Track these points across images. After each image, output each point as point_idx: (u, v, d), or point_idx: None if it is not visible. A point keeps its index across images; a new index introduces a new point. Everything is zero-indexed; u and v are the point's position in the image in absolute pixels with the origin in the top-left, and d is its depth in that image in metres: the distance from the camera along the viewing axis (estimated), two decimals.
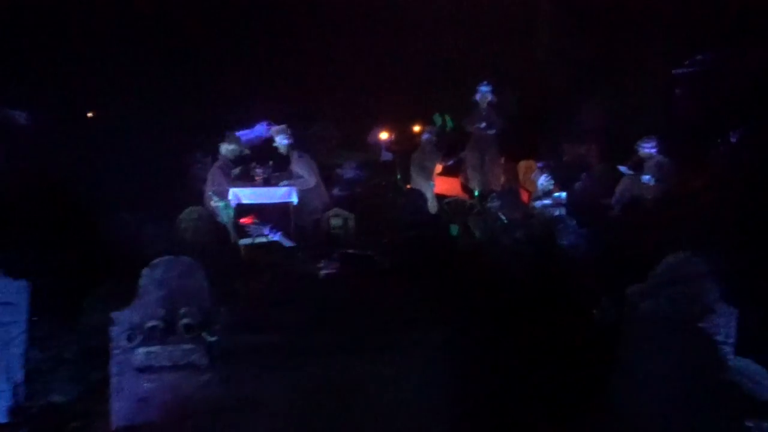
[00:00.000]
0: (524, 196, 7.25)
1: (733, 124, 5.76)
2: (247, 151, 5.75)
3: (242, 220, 4.41)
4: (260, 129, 6.66)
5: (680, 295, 2.14)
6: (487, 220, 6.24)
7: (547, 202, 6.45)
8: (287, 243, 4.23)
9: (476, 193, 7.05)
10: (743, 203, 4.29)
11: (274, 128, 5.73)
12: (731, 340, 2.06)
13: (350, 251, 3.34)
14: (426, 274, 2.58)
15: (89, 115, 6.53)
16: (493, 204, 5.96)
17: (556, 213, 6.43)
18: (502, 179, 7.15)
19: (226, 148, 5.66)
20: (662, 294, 2.20)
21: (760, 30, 6.34)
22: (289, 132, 5.79)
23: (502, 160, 7.57)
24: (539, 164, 7.89)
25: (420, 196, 5.77)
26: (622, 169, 6.51)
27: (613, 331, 2.29)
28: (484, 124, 6.69)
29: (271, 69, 8.10)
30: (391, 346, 1.86)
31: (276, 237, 4.19)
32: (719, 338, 2.04)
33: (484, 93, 6.75)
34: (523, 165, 8.03)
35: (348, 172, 7.48)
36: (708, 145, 6.19)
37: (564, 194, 6.53)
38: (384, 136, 8.53)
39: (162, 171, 6.00)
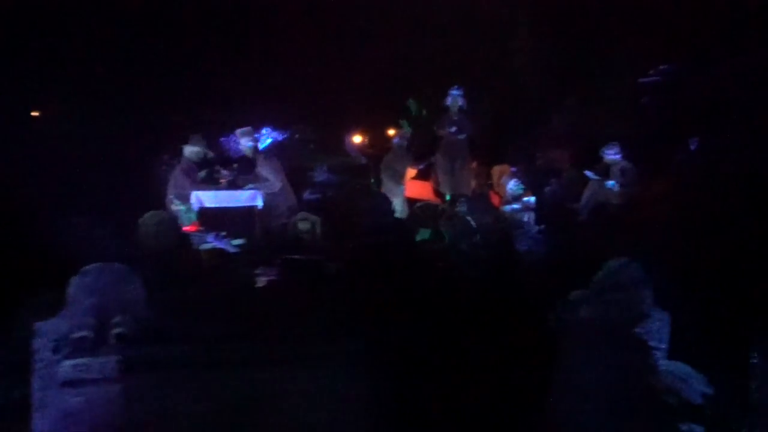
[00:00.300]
0: (497, 201, 7.30)
1: (694, 132, 5.91)
2: (211, 154, 5.65)
3: (185, 228, 4.31)
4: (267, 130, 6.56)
5: (617, 301, 2.15)
6: (456, 224, 6.27)
7: (516, 206, 6.51)
8: (232, 250, 4.15)
9: (447, 198, 7.07)
10: (701, 209, 4.38)
11: (239, 130, 5.64)
12: (663, 345, 2.07)
13: (295, 257, 3.29)
14: (373, 281, 2.54)
15: (35, 114, 6.28)
16: (461, 208, 5.97)
17: (525, 218, 6.51)
18: (473, 184, 7.18)
19: (189, 150, 5.54)
20: (601, 299, 2.20)
21: (722, 41, 6.55)
22: (254, 134, 5.71)
23: (474, 165, 7.62)
24: (513, 169, 8.00)
25: (385, 200, 5.74)
26: (589, 174, 6.61)
27: (555, 337, 2.28)
28: (454, 129, 6.71)
29: (247, 71, 7.99)
30: (309, 358, 1.81)
31: (221, 244, 4.10)
32: (652, 343, 2.06)
33: (455, 97, 6.77)
34: (497, 169, 8.09)
35: (320, 175, 7.43)
36: (671, 152, 6.34)
37: (533, 199, 6.60)
38: (358, 139, 8.52)
39: (126, 173, 5.84)
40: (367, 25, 8.57)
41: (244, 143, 5.65)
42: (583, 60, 8.25)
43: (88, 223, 3.73)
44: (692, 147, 5.86)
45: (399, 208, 7.07)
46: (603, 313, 2.17)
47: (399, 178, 6.81)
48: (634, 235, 4.39)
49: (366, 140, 8.51)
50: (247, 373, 1.77)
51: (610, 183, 6.09)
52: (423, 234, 6.22)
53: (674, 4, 6.81)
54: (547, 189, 7.38)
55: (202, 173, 5.74)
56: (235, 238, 5.10)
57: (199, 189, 5.29)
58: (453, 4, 8.90)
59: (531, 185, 7.78)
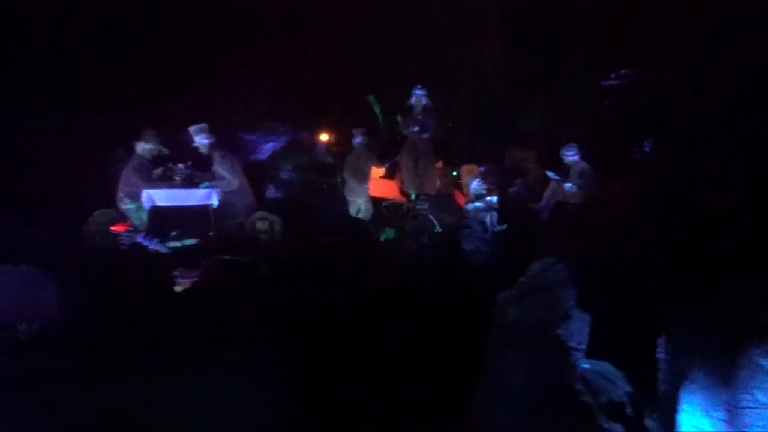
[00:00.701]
0: (463, 200, 7.32)
1: (647, 134, 6.05)
2: (166, 151, 5.47)
3: (113, 228, 4.16)
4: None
5: (540, 301, 2.15)
6: (421, 223, 6.26)
7: (478, 205, 6.53)
8: (164, 251, 4.01)
9: (413, 197, 7.05)
10: (652, 210, 4.46)
11: (193, 127, 5.48)
12: (583, 346, 2.07)
13: (226, 257, 3.19)
14: (308, 282, 2.47)
15: None
16: (422, 206, 5.97)
17: (487, 217, 6.55)
18: (438, 183, 7.18)
19: (142, 147, 5.35)
20: (526, 300, 2.20)
21: (679, 45, 6.73)
22: (209, 131, 5.55)
23: (440, 164, 7.63)
24: (481, 169, 8.05)
25: (341, 200, 5.68)
26: (550, 174, 6.70)
27: (484, 337, 2.27)
28: (417, 128, 6.69)
29: (216, 68, 7.79)
30: (215, 363, 1.75)
31: (152, 245, 3.96)
32: (572, 344, 2.06)
33: (418, 96, 6.76)
34: (465, 169, 8.13)
35: (283, 173, 7.31)
36: (626, 154, 6.48)
37: (495, 199, 6.63)
38: (324, 137, 8.41)
39: (74, 171, 5.61)
40: (333, 23, 8.48)
41: (199, 140, 5.49)
42: (546, 62, 8.36)
43: (20, 223, 3.54)
44: (646, 149, 6.00)
45: (363, 207, 7.04)
46: (527, 314, 2.16)
47: (362, 177, 6.75)
48: (585, 235, 4.46)
49: (333, 139, 8.41)
50: (143, 379, 1.68)
51: (568, 185, 6.18)
52: (379, 233, 6.22)
53: (632, 9, 6.97)
54: (511, 189, 7.46)
55: (159, 171, 5.56)
56: (189, 237, 4.96)
57: (151, 187, 5.12)
58: (420, 4, 8.91)
59: (498, 185, 7.87)
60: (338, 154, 8.12)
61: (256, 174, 7.21)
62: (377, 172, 7.66)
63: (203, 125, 5.50)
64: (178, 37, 6.96)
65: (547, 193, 6.58)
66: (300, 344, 1.89)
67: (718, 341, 1.78)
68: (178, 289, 2.84)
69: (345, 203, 6.37)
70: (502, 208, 6.69)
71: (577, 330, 2.06)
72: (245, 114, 7.58)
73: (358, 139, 6.83)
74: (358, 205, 6.75)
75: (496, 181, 7.99)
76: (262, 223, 5.50)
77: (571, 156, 6.35)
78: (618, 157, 6.47)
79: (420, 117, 6.74)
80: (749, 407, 1.72)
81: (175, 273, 3.12)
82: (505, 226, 6.27)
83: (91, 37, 6.07)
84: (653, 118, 6.33)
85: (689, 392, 1.81)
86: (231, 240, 5.27)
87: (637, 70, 7.20)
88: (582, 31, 7.58)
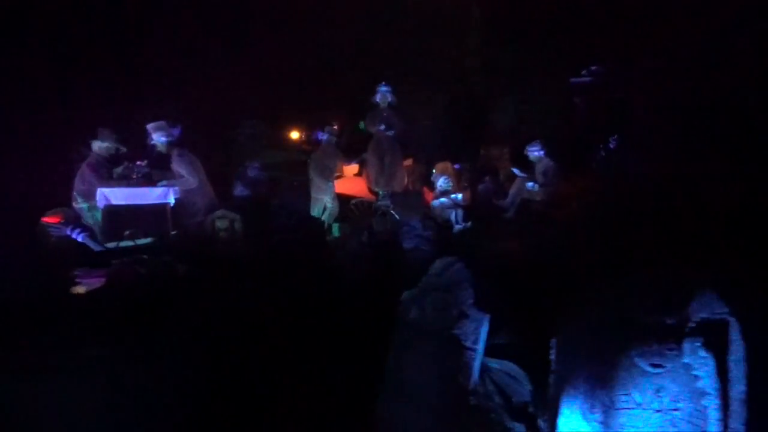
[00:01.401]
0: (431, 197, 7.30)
1: (609, 132, 6.03)
2: (123, 149, 5.42)
3: (45, 219, 4.08)
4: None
5: (438, 301, 2.12)
6: (388, 221, 6.24)
7: (444, 201, 6.53)
8: (95, 246, 3.92)
9: (381, 195, 7.02)
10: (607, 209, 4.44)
11: (151, 125, 5.42)
12: (478, 346, 2.05)
13: (144, 257, 3.15)
14: (229, 281, 2.44)
15: None
16: (384, 203, 5.94)
17: (452, 214, 6.55)
18: (405, 180, 7.14)
19: (98, 146, 5.30)
20: (425, 299, 2.17)
21: (639, 45, 6.71)
22: (169, 129, 5.50)
23: (409, 161, 7.60)
24: (456, 166, 8.04)
25: (296, 198, 5.64)
26: (516, 171, 6.69)
27: (390, 338, 2.25)
28: (383, 126, 6.65)
29: (179, 63, 7.71)
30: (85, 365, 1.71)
31: (80, 238, 3.87)
32: (467, 343, 2.03)
33: (383, 94, 6.71)
34: (439, 166, 8.11)
35: (251, 171, 7.26)
36: (592, 152, 6.46)
37: (460, 196, 6.62)
38: (295, 135, 8.38)
39: (29, 170, 5.55)
40: (304, 17, 8.41)
41: (157, 138, 5.44)
42: (516, 61, 8.34)
43: None
44: (607, 147, 5.99)
45: (329, 205, 7.01)
46: (426, 313, 2.14)
47: (329, 174, 6.71)
48: (540, 233, 4.45)
49: (303, 137, 8.38)
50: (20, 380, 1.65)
51: (530, 184, 6.18)
52: (334, 230, 6.19)
53: (595, 9, 6.94)
54: (480, 186, 7.45)
55: (119, 169, 5.51)
56: (144, 237, 4.91)
57: (106, 185, 5.07)
58: (393, 2, 8.85)
59: (469, 182, 7.87)
60: (309, 151, 8.10)
61: (223, 171, 7.19)
62: (350, 170, 7.64)
63: (161, 123, 5.44)
64: (139, 30, 6.87)
65: (512, 191, 6.58)
66: (193, 344, 1.87)
67: (598, 342, 1.77)
68: (77, 288, 2.80)
69: (309, 201, 6.33)
70: (468, 205, 6.70)
71: (472, 330, 2.04)
72: (211, 110, 7.52)
73: (324, 137, 6.79)
74: (324, 203, 6.72)
75: (468, 178, 8.02)
76: (222, 221, 5.45)
77: (535, 152, 6.34)
78: (581, 155, 6.45)
79: (385, 114, 6.69)
80: (625, 408, 1.70)
81: (78, 272, 3.07)
82: (469, 223, 6.30)
83: (46, 32, 5.98)
84: (617, 116, 6.32)
85: (570, 394, 1.80)
86: (189, 239, 5.23)
87: (603, 69, 7.19)
88: (552, 30, 7.55)
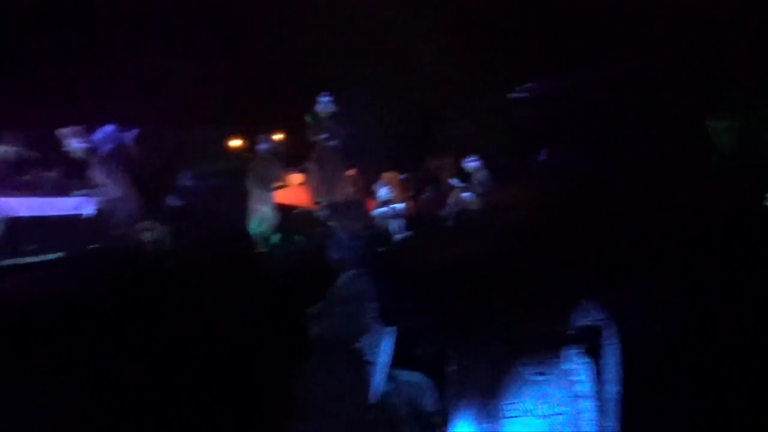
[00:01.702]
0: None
1: (551, 140, 6.32)
2: (31, 154, 5.01)
3: None
4: (108, 130, 5.91)
5: (341, 314, 2.10)
6: (325, 232, 6.17)
7: (384, 211, 6.57)
8: None
9: (322, 204, 6.95)
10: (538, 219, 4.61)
11: (65, 130, 5.05)
12: (382, 359, 2.04)
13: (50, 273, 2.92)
14: (146, 297, 2.29)
15: None
16: (323, 214, 5.89)
17: (394, 224, 6.60)
18: (347, 191, 7.13)
19: (1, 150, 4.87)
20: (329, 313, 2.14)
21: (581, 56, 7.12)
22: (88, 134, 5.15)
23: (353, 171, 7.59)
24: (402, 176, 8.12)
25: (229, 209, 5.48)
26: (454, 182, 6.87)
27: (297, 351, 2.18)
28: (324, 135, 6.62)
29: (109, 64, 7.26)
30: None
31: None
32: (369, 357, 2.01)
33: (324, 103, 6.69)
34: (386, 176, 8.16)
35: (186, 180, 6.96)
36: (528, 161, 6.76)
37: (401, 206, 6.69)
38: (237, 143, 8.14)
39: None
40: (246, 20, 8.22)
41: (74, 144, 5.07)
42: (463, 70, 8.57)
43: None
44: (545, 156, 6.28)
45: (269, 215, 6.84)
46: (329, 327, 2.10)
47: (267, 184, 6.56)
48: (471, 243, 4.54)
49: (245, 144, 8.15)
50: None
51: (465, 194, 6.36)
52: (273, 239, 6.06)
53: (539, 20, 7.28)
54: (422, 196, 7.57)
55: (27, 178, 5.08)
56: (51, 251, 4.54)
57: (8, 195, 4.64)
58: (340, 7, 8.86)
59: (414, 192, 7.98)
60: (250, 159, 7.88)
61: (155, 180, 6.83)
62: (294, 179, 7.51)
63: (78, 128, 5.08)
64: (66, 27, 6.42)
65: (450, 200, 6.73)
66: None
67: (487, 354, 1.80)
68: None
69: (245, 211, 6.15)
70: (408, 215, 6.78)
71: (375, 343, 2.02)
72: (139, 115, 7.13)
73: (263, 146, 6.65)
74: (263, 213, 6.56)
75: (412, 189, 8.14)
76: (146, 233, 5.18)
77: (470, 162, 6.54)
78: (517, 166, 6.73)
79: (326, 124, 6.67)
80: (513, 416, 1.74)
81: None
82: (409, 232, 6.36)
83: None
84: (555, 125, 6.64)
85: (464, 405, 1.82)
86: (110, 253, 4.90)
87: (539, 84, 7.56)
88: (495, 45, 7.84)
